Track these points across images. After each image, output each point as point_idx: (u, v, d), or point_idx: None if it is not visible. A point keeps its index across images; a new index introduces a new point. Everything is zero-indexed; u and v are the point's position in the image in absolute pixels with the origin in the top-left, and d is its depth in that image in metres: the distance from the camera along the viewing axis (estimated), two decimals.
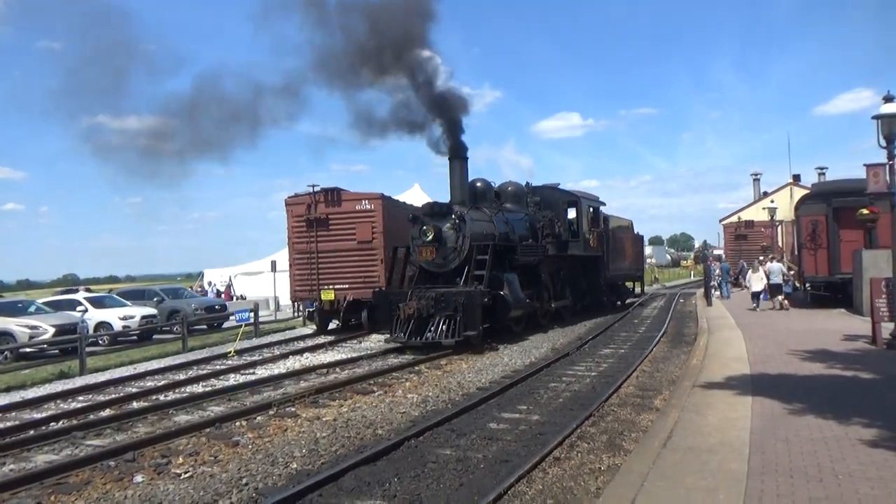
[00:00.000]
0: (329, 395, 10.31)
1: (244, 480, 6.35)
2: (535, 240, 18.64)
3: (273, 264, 26.09)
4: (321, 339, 17.81)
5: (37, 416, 9.83)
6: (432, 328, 14.61)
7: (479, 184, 18.11)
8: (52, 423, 9.14)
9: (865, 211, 15.33)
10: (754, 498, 4.79)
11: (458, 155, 16.75)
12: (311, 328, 20.32)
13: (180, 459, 7.16)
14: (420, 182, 50.92)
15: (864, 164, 12.82)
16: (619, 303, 27.21)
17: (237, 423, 8.65)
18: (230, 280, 36.32)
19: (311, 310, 20.12)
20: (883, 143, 11.83)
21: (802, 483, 5.06)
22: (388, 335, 15.81)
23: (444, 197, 16.99)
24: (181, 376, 12.83)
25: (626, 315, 23.03)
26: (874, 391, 8.33)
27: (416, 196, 44.29)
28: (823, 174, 50.24)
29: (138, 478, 6.61)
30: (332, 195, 19.35)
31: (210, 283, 36.67)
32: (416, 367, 12.66)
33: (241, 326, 17.48)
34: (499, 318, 15.84)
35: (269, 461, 6.97)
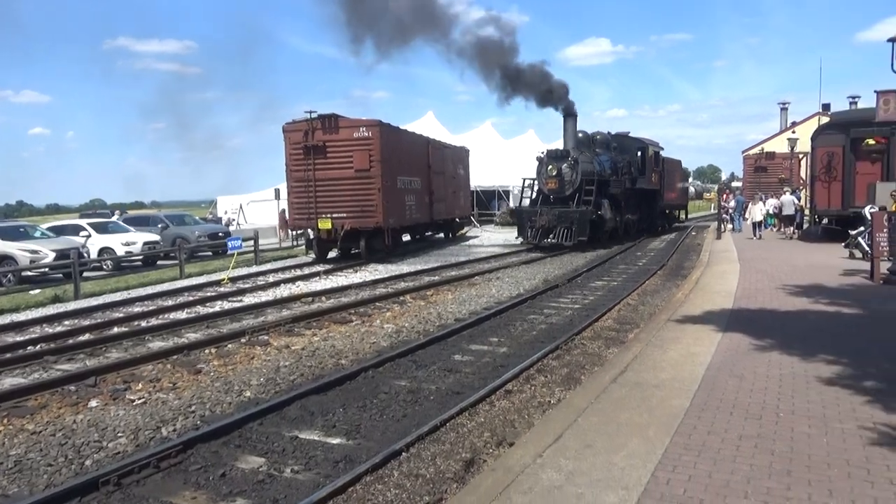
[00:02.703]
0: (306, 323, 10.32)
1: (193, 408, 6.39)
2: (616, 176, 24.16)
3: (277, 192, 25.98)
4: (318, 268, 17.85)
5: (19, 338, 10.01)
6: (553, 235, 21.26)
7: (580, 134, 23.54)
8: (29, 347, 9.30)
9: (871, 141, 14.56)
10: (683, 434, 4.67)
11: (571, 113, 22.81)
12: (311, 256, 20.36)
13: (139, 386, 7.23)
14: (434, 110, 49.96)
15: (876, 91, 12.07)
16: (667, 226, 33.09)
17: (206, 351, 8.71)
18: (240, 207, 36.43)
19: (310, 238, 20.09)
20: None
21: (739, 421, 4.91)
22: (522, 239, 22.46)
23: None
24: (169, 302, 12.96)
25: (631, 247, 22.74)
26: (853, 328, 8.06)
27: (428, 124, 43.57)
28: (855, 103, 47.82)
29: (93, 403, 6.70)
30: (330, 122, 18.95)
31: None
32: (401, 297, 12.62)
33: (236, 254, 17.49)
34: (596, 231, 22.02)
35: (224, 389, 7.01)
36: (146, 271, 18.95)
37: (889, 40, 10.84)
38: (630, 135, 27.76)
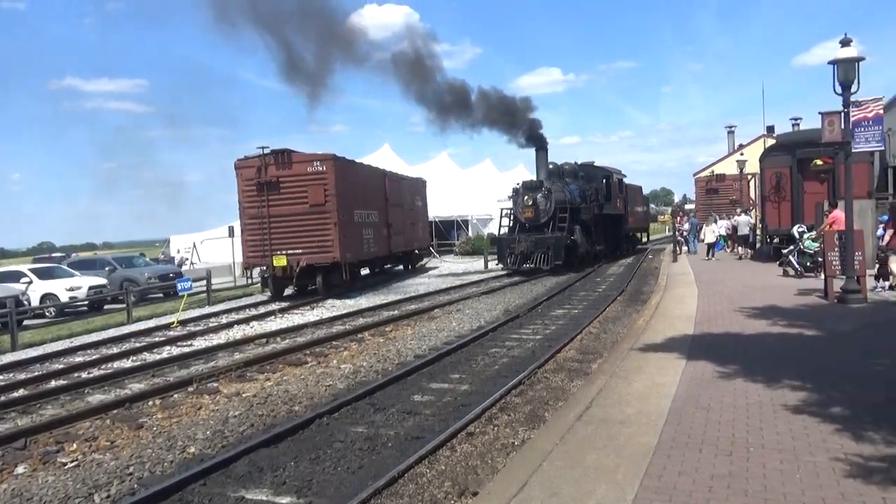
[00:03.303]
0: (259, 367, 9.87)
1: (131, 469, 5.90)
2: (585, 203, 25.57)
3: (231, 229, 25.36)
4: (273, 306, 17.31)
5: None
6: (531, 261, 22.51)
7: (550, 165, 25.22)
8: None
9: (819, 161, 14.92)
10: (653, 477, 4.43)
11: (542, 147, 24.64)
12: (267, 295, 19.80)
13: (74, 446, 6.70)
14: (391, 142, 50.04)
15: (820, 112, 12.31)
16: (631, 248, 34.88)
17: (150, 403, 8.20)
18: (194, 245, 35.52)
19: (266, 276, 19.54)
20: (839, 89, 11.34)
21: (709, 458, 4.70)
22: (503, 265, 23.77)
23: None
24: (114, 350, 12.31)
25: (590, 273, 22.79)
26: (813, 350, 8.02)
27: (385, 156, 43.49)
28: (797, 125, 49.56)
29: (20, 469, 6.15)
30: (283, 157, 18.63)
31: None
32: (359, 335, 12.25)
33: (185, 296, 16.83)
34: (570, 255, 23.28)
35: (167, 446, 6.53)
36: (92, 317, 18.13)
37: (830, 62, 11.07)
38: (595, 164, 29.26)
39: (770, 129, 52.33)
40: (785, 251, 17.06)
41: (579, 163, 28.16)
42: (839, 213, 14.18)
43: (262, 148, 18.79)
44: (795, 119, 51.44)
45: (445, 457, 5.78)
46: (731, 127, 59.81)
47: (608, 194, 28.28)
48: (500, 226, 25.66)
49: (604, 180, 28.43)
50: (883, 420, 5.22)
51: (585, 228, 25.08)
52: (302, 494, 5.17)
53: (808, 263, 15.93)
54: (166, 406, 8.02)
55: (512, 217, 24.63)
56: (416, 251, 28.47)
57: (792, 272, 16.07)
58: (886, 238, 13.17)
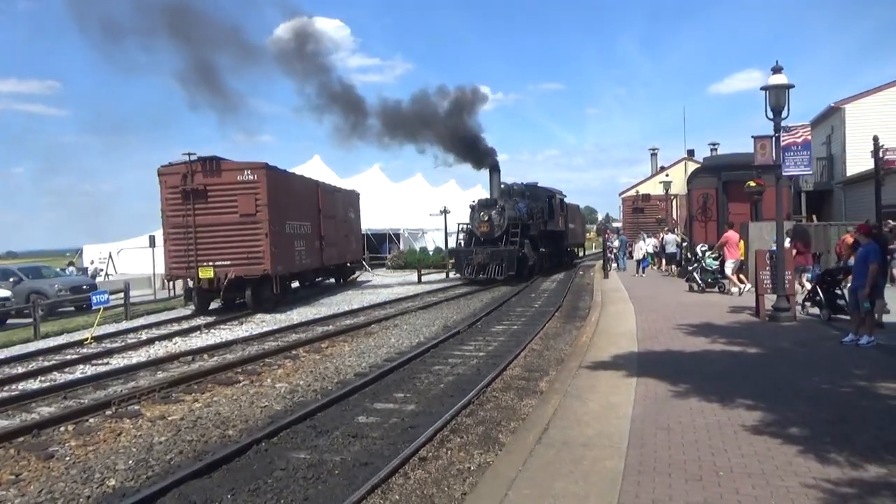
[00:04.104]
0: (185, 387, 9.15)
1: None
2: (533, 220, 27.63)
3: (152, 239, 24.02)
4: (198, 321, 16.36)
5: None
6: (486, 272, 24.61)
7: (502, 185, 27.40)
8: None
9: (752, 183, 15.51)
10: None
11: (496, 168, 27.25)
12: (191, 309, 18.74)
13: None
14: (321, 154, 49.19)
15: (753, 136, 12.75)
16: (570, 262, 37.73)
17: (62, 429, 7.39)
18: (110, 256, 33.48)
19: (190, 289, 18.48)
20: (770, 114, 11.72)
21: (680, 483, 4.51)
22: (460, 275, 26.18)
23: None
24: (19, 370, 11.20)
25: (524, 288, 22.85)
26: (757, 367, 8.10)
27: (315, 168, 42.63)
28: (715, 149, 52.03)
29: None
30: (211, 165, 17.74)
31: None
32: (294, 351, 11.65)
33: (101, 310, 15.65)
34: (521, 267, 25.22)
35: (82, 478, 5.83)
36: None
37: (762, 88, 11.46)
38: (539, 185, 31.57)
39: (690, 153, 54.71)
40: (690, 268, 18.35)
41: (525, 183, 30.40)
42: (731, 234, 16.13)
43: (189, 154, 17.86)
44: (713, 144, 53.95)
45: (399, 485, 5.38)
46: (654, 149, 62.29)
47: (551, 212, 30.46)
48: (458, 240, 28.30)
49: (548, 200, 30.53)
50: (841, 440, 5.22)
51: (533, 243, 26.91)
52: None
53: (710, 280, 17.10)
54: (81, 432, 7.25)
55: (468, 231, 26.71)
56: (349, 264, 27.83)
57: (696, 287, 17.22)
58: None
